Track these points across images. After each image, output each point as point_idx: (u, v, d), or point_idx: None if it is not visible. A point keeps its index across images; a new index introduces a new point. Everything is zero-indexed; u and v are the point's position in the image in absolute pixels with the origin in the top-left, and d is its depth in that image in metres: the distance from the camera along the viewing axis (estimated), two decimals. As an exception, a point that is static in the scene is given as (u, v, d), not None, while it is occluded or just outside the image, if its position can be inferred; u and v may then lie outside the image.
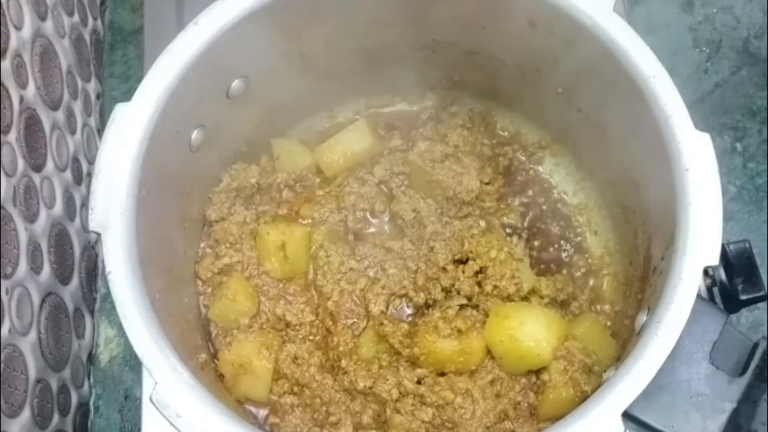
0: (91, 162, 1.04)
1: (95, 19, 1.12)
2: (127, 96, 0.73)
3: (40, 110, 0.89)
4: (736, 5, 1.13)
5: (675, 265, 0.67)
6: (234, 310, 0.84)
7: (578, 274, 0.90)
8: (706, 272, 0.75)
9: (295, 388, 0.83)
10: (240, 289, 0.84)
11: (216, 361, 0.83)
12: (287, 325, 0.85)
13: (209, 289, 0.87)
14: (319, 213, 0.90)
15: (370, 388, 0.80)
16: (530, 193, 0.94)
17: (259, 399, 0.83)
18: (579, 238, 0.92)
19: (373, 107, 0.98)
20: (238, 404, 0.83)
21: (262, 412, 0.83)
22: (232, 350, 0.82)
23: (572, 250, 0.91)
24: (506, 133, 0.97)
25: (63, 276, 0.91)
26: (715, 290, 0.80)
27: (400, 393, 0.79)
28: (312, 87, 0.92)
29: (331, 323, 0.85)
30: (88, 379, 0.95)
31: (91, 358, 0.96)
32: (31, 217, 0.84)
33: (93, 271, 1.01)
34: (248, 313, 0.84)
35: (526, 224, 0.92)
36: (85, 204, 1.00)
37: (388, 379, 0.80)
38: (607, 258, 0.90)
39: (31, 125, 0.87)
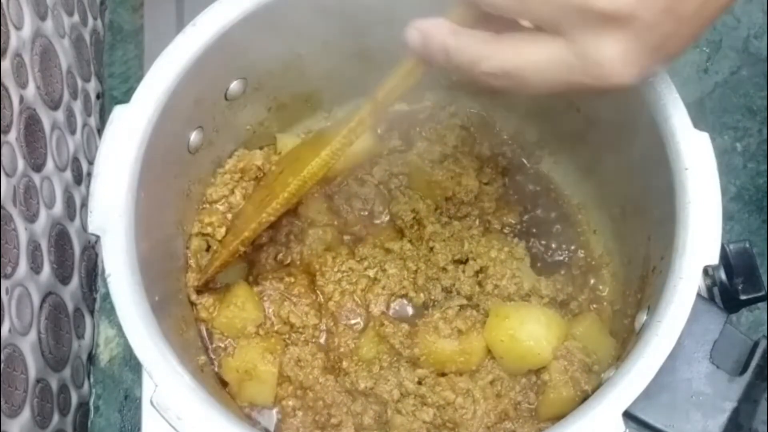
0: (91, 162, 1.04)
1: (95, 18, 1.12)
2: (127, 96, 0.73)
3: (40, 110, 0.89)
4: (736, 5, 1.13)
5: (675, 264, 0.67)
6: (242, 318, 0.83)
7: (578, 273, 0.89)
8: (706, 272, 0.74)
9: (299, 392, 0.83)
10: (248, 297, 0.84)
11: (215, 363, 0.83)
12: (291, 327, 0.85)
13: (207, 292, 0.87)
14: (317, 213, 0.90)
15: (371, 388, 0.80)
16: (529, 193, 0.94)
17: (265, 404, 0.82)
18: (579, 238, 0.92)
19: (372, 107, 0.98)
20: (238, 407, 0.82)
21: (264, 415, 0.83)
22: (236, 356, 0.82)
23: (572, 249, 0.91)
24: (505, 134, 0.97)
25: (63, 276, 0.91)
26: (715, 290, 0.80)
27: (401, 393, 0.79)
28: (310, 88, 0.92)
29: (332, 324, 0.85)
30: (88, 379, 0.95)
31: (91, 358, 0.96)
32: (31, 217, 0.84)
33: (93, 271, 1.01)
34: (256, 321, 0.84)
35: (525, 224, 0.92)
36: (85, 204, 1.00)
37: (389, 380, 0.80)
38: (607, 257, 0.90)
39: (31, 125, 0.87)
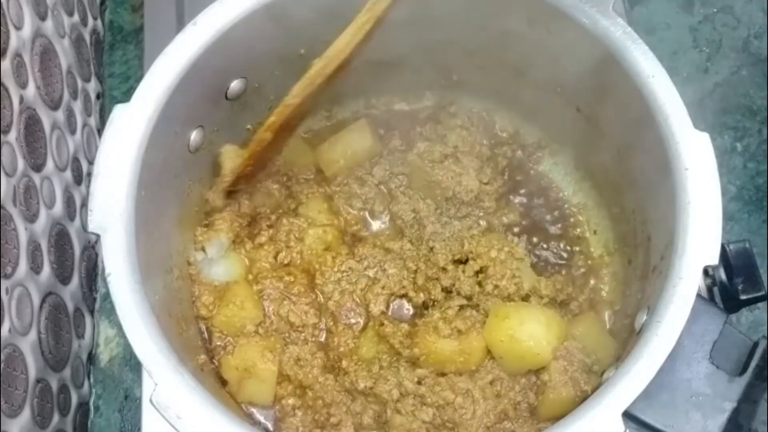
0: (91, 162, 1.04)
1: (95, 18, 1.12)
2: (127, 96, 0.73)
3: (40, 110, 0.89)
4: (736, 5, 1.13)
5: (675, 264, 0.67)
6: (241, 317, 0.83)
7: (578, 274, 0.90)
8: (706, 272, 0.75)
9: (298, 391, 0.83)
10: (247, 296, 0.84)
11: (215, 362, 0.83)
12: (291, 326, 0.85)
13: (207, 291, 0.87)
14: (318, 213, 0.90)
15: (371, 388, 0.80)
16: (529, 192, 0.94)
17: (265, 403, 0.82)
18: (578, 238, 0.92)
19: (372, 107, 0.98)
20: (238, 406, 0.83)
21: (263, 414, 0.83)
22: (235, 355, 0.82)
23: (572, 250, 0.91)
24: (505, 133, 0.97)
25: (63, 276, 0.91)
26: (715, 290, 0.80)
27: (400, 393, 0.79)
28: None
29: (332, 323, 0.85)
30: (88, 379, 0.95)
31: (91, 358, 0.96)
32: (31, 217, 0.84)
33: (93, 271, 1.01)
34: (255, 320, 0.84)
35: (525, 224, 0.92)
36: (85, 204, 1.00)
37: (388, 380, 0.80)
38: (607, 258, 0.90)
39: (31, 125, 0.87)
